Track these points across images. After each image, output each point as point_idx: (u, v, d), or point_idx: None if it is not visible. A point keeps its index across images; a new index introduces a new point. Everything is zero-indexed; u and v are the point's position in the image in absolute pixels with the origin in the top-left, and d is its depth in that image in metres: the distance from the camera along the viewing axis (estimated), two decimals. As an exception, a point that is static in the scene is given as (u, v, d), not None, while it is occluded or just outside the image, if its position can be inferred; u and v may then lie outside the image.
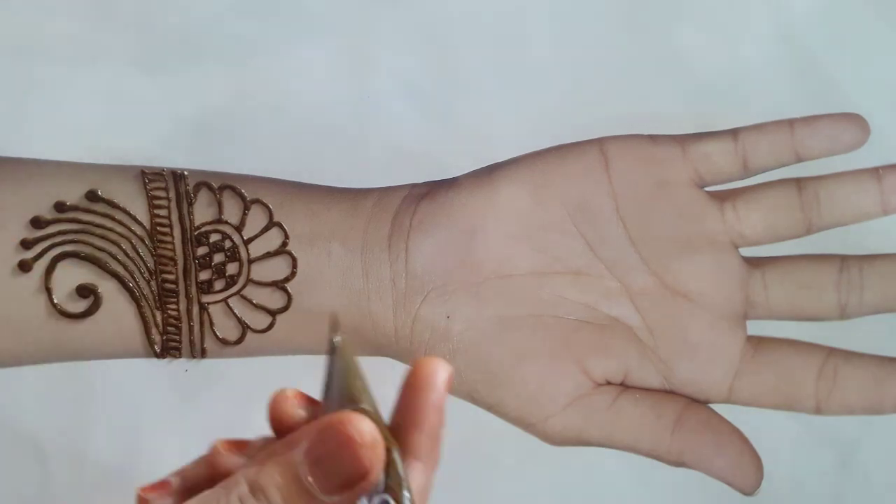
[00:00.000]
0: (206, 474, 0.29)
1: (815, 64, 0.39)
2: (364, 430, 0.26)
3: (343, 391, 0.28)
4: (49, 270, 0.38)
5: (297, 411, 0.29)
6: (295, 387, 0.33)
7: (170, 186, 0.38)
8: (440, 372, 0.28)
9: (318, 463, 0.26)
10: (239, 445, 0.29)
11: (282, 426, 0.29)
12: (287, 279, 0.39)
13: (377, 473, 0.26)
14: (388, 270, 0.39)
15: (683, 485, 0.39)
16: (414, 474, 0.28)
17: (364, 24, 0.39)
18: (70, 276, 0.38)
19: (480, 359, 0.39)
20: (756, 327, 0.39)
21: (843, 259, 0.38)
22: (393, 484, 0.26)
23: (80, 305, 0.38)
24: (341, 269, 0.39)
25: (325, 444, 0.26)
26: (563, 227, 0.39)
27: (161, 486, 0.29)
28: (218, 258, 0.39)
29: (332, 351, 0.29)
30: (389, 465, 0.27)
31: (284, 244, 0.39)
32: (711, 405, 0.39)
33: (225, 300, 0.39)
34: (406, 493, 0.26)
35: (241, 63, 0.38)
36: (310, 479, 0.26)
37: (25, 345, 0.38)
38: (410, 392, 0.28)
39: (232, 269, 0.39)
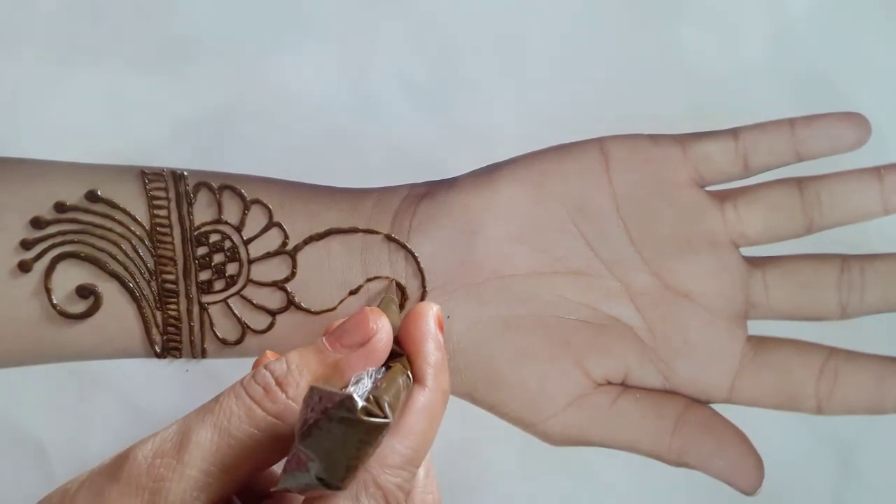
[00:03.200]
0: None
1: (816, 64, 0.39)
2: (376, 310, 0.32)
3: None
4: (49, 271, 0.38)
5: None
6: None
7: (169, 186, 0.38)
8: (431, 307, 0.34)
9: (335, 331, 0.32)
10: None
11: None
12: (287, 279, 0.39)
13: (380, 344, 0.31)
14: (388, 270, 0.39)
15: (684, 485, 0.39)
16: (418, 396, 0.31)
17: (364, 24, 0.39)
18: (70, 276, 0.38)
19: (481, 359, 0.39)
20: (756, 327, 0.39)
21: (844, 259, 0.38)
22: (382, 387, 0.29)
23: (79, 306, 0.38)
24: (341, 268, 0.39)
25: (347, 322, 0.32)
26: (563, 226, 0.39)
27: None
28: (218, 258, 0.39)
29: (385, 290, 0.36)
30: (392, 372, 0.31)
31: (284, 244, 0.39)
32: (712, 405, 0.39)
33: (225, 300, 0.39)
34: (387, 398, 0.28)
35: (241, 63, 0.38)
36: (323, 340, 0.32)
37: (25, 345, 0.38)
38: (408, 327, 0.33)
39: (232, 269, 0.39)
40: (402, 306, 0.39)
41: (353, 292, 0.39)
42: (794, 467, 0.39)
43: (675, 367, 0.39)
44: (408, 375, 0.32)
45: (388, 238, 0.39)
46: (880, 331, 0.39)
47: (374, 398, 0.27)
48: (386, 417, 0.27)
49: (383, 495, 0.29)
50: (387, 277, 0.39)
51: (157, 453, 0.28)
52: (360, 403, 0.26)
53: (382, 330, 0.32)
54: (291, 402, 0.30)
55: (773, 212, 0.38)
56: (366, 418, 0.26)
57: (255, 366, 0.31)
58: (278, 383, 0.30)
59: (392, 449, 0.29)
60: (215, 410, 0.29)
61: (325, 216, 0.39)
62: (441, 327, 0.34)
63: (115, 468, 0.28)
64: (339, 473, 0.27)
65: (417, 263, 0.39)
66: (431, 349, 0.33)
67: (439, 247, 0.39)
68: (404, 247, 0.39)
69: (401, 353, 0.33)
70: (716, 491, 0.39)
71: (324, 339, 0.32)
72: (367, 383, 0.30)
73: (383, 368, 0.32)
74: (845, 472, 0.39)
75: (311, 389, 0.27)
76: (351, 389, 0.30)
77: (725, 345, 0.38)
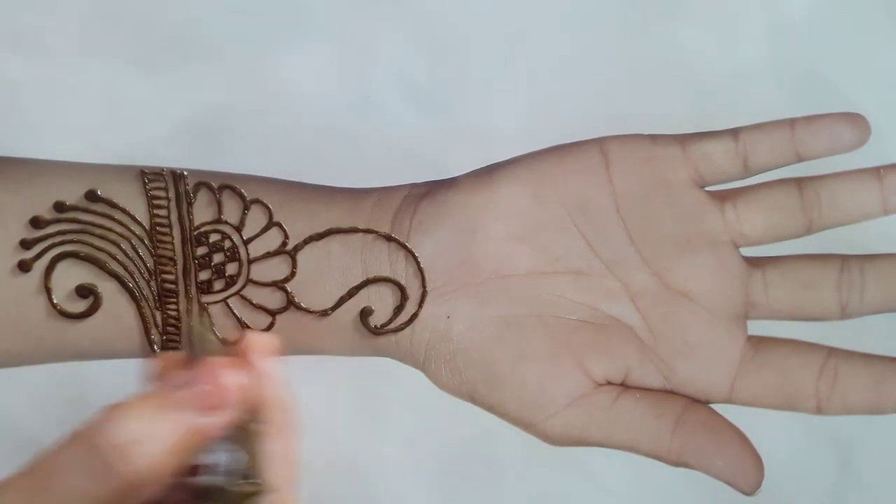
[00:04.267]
0: None
1: (816, 64, 0.39)
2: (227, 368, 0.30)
3: None
4: (49, 270, 0.38)
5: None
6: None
7: (169, 186, 0.38)
8: (254, 345, 0.33)
9: (191, 391, 0.29)
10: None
11: None
12: (287, 279, 0.39)
13: (235, 402, 0.29)
14: (388, 270, 0.39)
15: (684, 485, 0.39)
16: (270, 441, 0.30)
17: (364, 24, 0.39)
18: (69, 276, 0.38)
19: (481, 359, 0.39)
20: (756, 327, 0.39)
21: (844, 259, 0.38)
22: (246, 456, 0.29)
23: (79, 305, 0.38)
24: (341, 268, 0.39)
25: (199, 375, 0.30)
26: (563, 226, 0.39)
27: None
28: (217, 258, 0.39)
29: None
30: (246, 435, 0.29)
31: (284, 244, 0.39)
32: (712, 405, 0.39)
33: (225, 300, 0.39)
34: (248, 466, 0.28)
35: (241, 63, 0.38)
36: (176, 396, 0.29)
37: (25, 345, 0.38)
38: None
39: (231, 269, 0.39)
40: (402, 307, 0.39)
41: (352, 293, 0.39)
42: (794, 467, 0.39)
43: (674, 367, 0.39)
44: (255, 423, 0.30)
45: (388, 238, 0.39)
46: (880, 331, 0.39)
47: (245, 477, 0.27)
48: (257, 485, 0.26)
49: None
50: (385, 278, 0.39)
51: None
52: (228, 488, 0.26)
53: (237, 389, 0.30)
54: (143, 473, 0.27)
55: (773, 212, 0.38)
56: (238, 491, 0.26)
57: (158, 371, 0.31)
58: (130, 450, 0.28)
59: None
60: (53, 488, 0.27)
61: (325, 216, 0.39)
62: (274, 354, 0.33)
63: None
64: None
65: (417, 263, 0.39)
66: (271, 391, 0.32)
67: (439, 247, 0.39)
68: (404, 247, 0.39)
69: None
70: (716, 491, 0.39)
71: (178, 395, 0.30)
72: (223, 447, 0.29)
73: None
74: (845, 472, 0.39)
75: (175, 485, 0.26)
76: (211, 458, 0.29)
77: (725, 345, 0.38)
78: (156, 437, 0.28)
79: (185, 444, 0.28)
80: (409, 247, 0.39)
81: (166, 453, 0.27)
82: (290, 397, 0.32)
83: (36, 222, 0.38)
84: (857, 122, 0.38)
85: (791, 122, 0.38)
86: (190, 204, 0.38)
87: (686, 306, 0.39)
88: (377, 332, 0.39)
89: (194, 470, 0.28)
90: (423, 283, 0.39)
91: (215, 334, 0.37)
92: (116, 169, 0.38)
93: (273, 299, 0.39)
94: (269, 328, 0.39)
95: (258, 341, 0.33)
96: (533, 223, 0.39)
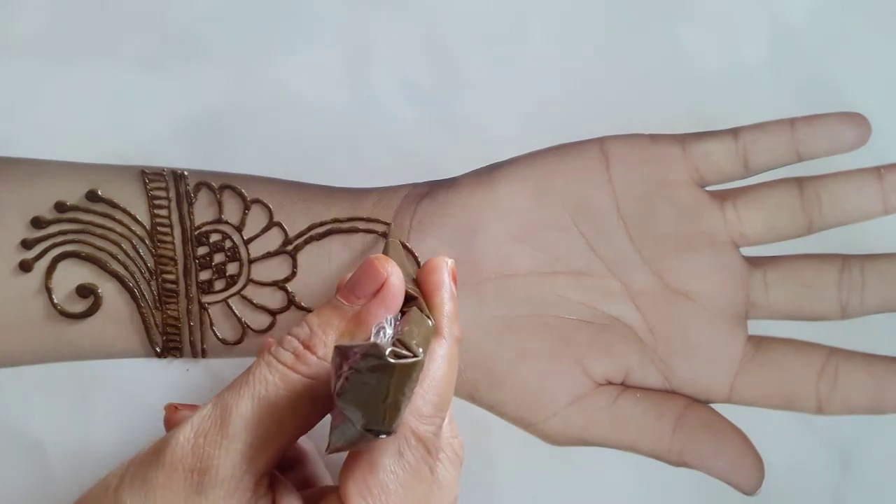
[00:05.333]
0: None
1: (816, 64, 0.39)
2: (383, 256, 0.32)
3: None
4: (49, 270, 0.38)
5: None
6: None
7: (170, 186, 0.38)
8: (445, 261, 0.34)
9: (347, 285, 0.32)
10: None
11: None
12: (287, 279, 0.39)
13: (394, 288, 0.31)
14: (389, 270, 0.39)
15: (684, 484, 0.39)
16: (436, 346, 0.32)
17: (364, 24, 0.39)
18: (70, 276, 0.38)
19: (481, 358, 0.39)
20: (757, 327, 0.39)
21: (845, 259, 0.38)
22: (404, 330, 0.30)
23: (80, 305, 0.38)
24: (342, 268, 0.39)
25: (356, 273, 0.32)
26: (563, 226, 0.39)
27: (192, 407, 0.33)
28: (218, 258, 0.39)
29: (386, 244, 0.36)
30: (411, 314, 0.31)
31: (284, 244, 0.39)
32: (712, 405, 0.39)
33: (225, 300, 0.39)
34: (413, 339, 0.28)
35: (241, 63, 0.38)
36: (337, 297, 0.32)
37: (25, 345, 0.38)
38: (422, 277, 0.34)
39: (232, 269, 0.39)
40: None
41: None
42: (794, 467, 0.39)
43: (675, 367, 0.39)
44: (427, 315, 0.32)
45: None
46: (880, 331, 0.39)
47: (400, 341, 0.27)
48: (416, 356, 0.27)
49: (423, 446, 0.29)
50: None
51: (199, 432, 0.28)
52: (388, 348, 0.26)
53: (393, 274, 0.32)
54: (322, 361, 0.30)
55: (774, 212, 0.38)
56: (396, 361, 0.26)
57: (260, 353, 0.31)
58: (306, 346, 0.30)
59: (424, 399, 0.30)
60: (250, 382, 0.29)
61: (325, 216, 0.39)
62: (455, 280, 0.34)
63: (156, 454, 0.28)
64: (383, 420, 0.27)
65: (418, 263, 0.39)
66: (445, 299, 0.33)
67: (440, 246, 0.39)
68: (404, 246, 0.39)
69: (414, 296, 0.33)
70: (716, 491, 0.39)
71: (338, 295, 0.32)
72: (388, 331, 0.30)
73: (400, 314, 0.32)
74: (845, 473, 0.39)
75: (336, 349, 0.27)
76: (374, 339, 0.30)
77: (726, 344, 0.38)
78: (328, 330, 0.31)
79: (352, 330, 0.31)
80: (410, 246, 0.39)
81: (338, 341, 0.30)
82: (457, 313, 0.33)
83: (37, 222, 0.38)
84: (857, 122, 0.38)
85: (791, 122, 0.38)
86: (191, 204, 0.38)
87: (686, 306, 0.39)
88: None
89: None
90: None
91: (407, 248, 0.39)
92: (117, 169, 0.39)
93: (274, 299, 0.39)
94: (269, 328, 0.39)
95: (444, 260, 0.35)
96: (533, 223, 0.39)
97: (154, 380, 0.39)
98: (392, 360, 0.26)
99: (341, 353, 0.27)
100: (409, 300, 0.33)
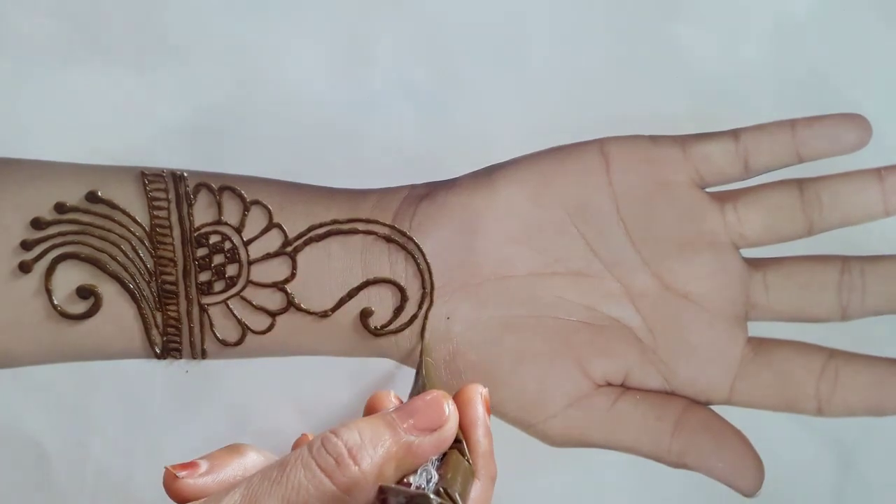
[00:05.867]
0: (234, 460, 0.31)
1: (816, 64, 0.39)
2: (446, 394, 0.32)
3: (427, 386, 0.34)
4: (49, 271, 0.38)
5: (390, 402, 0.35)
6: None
7: (169, 188, 0.38)
8: (478, 390, 0.34)
9: (407, 409, 0.31)
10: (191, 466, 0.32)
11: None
12: (287, 280, 0.39)
13: (450, 432, 0.31)
14: (388, 271, 0.39)
15: (684, 486, 0.39)
16: (470, 488, 0.31)
17: (364, 24, 0.38)
18: (70, 277, 0.38)
19: (480, 359, 0.39)
20: (757, 328, 0.39)
21: (845, 260, 0.38)
22: (448, 477, 0.30)
23: (80, 306, 0.38)
24: (341, 269, 0.39)
25: (418, 401, 0.31)
26: (563, 227, 0.39)
27: (191, 465, 0.31)
28: (218, 259, 0.39)
29: (421, 359, 0.36)
30: (452, 458, 0.31)
31: (284, 245, 0.39)
32: (712, 406, 0.39)
33: (225, 301, 0.39)
34: (456, 488, 0.29)
35: (241, 63, 0.38)
36: (394, 414, 0.30)
37: (26, 345, 0.38)
38: (458, 413, 0.32)
39: (232, 270, 0.39)
40: (402, 308, 0.39)
41: (352, 294, 0.39)
42: (794, 469, 0.39)
43: (675, 369, 0.39)
44: (468, 462, 0.31)
45: (388, 239, 0.39)
46: (881, 333, 0.39)
47: (445, 491, 0.28)
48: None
49: None
50: (388, 280, 0.39)
51: None
52: (435, 500, 0.26)
53: (453, 418, 0.31)
54: (362, 475, 0.28)
55: (774, 213, 0.38)
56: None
57: (297, 446, 0.31)
58: (351, 454, 0.29)
59: None
60: (283, 483, 0.28)
61: (325, 217, 0.39)
62: (489, 410, 0.34)
63: None
64: None
65: (417, 264, 0.39)
66: (481, 436, 0.33)
67: (439, 247, 0.39)
68: (404, 248, 0.39)
69: (459, 440, 0.32)
70: (716, 492, 0.39)
71: (394, 414, 0.31)
72: (430, 471, 0.30)
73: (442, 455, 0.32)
74: (846, 474, 0.39)
75: (381, 489, 0.27)
76: (415, 480, 0.30)
77: (725, 346, 0.38)
78: (377, 445, 0.29)
79: (400, 458, 0.29)
80: (410, 248, 0.39)
81: (384, 462, 0.29)
82: (492, 449, 0.33)
83: (37, 223, 0.38)
84: (858, 124, 0.38)
85: (792, 123, 0.38)
86: (190, 205, 0.38)
87: (686, 307, 0.39)
88: (377, 333, 0.39)
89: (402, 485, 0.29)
90: (423, 284, 0.39)
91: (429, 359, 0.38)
92: (117, 170, 0.38)
93: (273, 300, 0.39)
94: (269, 329, 0.39)
95: (477, 391, 0.34)
96: (533, 224, 0.39)
97: (154, 380, 0.39)
98: None
99: (385, 492, 0.27)
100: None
